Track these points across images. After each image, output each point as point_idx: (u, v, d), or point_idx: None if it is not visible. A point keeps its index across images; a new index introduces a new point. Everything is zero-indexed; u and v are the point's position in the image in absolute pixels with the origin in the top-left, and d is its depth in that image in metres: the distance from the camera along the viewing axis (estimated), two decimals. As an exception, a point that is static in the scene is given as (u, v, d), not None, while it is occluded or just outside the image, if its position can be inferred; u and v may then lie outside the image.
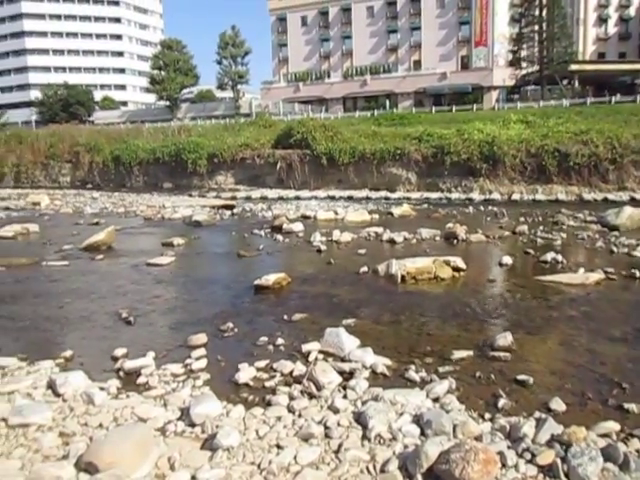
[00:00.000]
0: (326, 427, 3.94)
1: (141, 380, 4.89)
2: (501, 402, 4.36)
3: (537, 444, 3.60)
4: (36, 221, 16.49)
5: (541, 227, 13.84)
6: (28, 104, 75.72)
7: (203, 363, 5.25)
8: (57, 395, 4.49)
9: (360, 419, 4.01)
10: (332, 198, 24.30)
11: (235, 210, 19.19)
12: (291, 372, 5.01)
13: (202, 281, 9.03)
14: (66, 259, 10.69)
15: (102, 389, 4.58)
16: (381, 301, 7.59)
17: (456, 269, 9.02)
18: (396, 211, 17.33)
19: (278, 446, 3.73)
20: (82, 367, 5.13)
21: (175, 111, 60.47)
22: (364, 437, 3.82)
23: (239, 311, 7.16)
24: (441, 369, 5.07)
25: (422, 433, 3.83)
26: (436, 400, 4.39)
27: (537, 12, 47.20)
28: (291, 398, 4.47)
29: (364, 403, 4.29)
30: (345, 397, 4.46)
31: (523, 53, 48.32)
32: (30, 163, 35.69)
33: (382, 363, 5.16)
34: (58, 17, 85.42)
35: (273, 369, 5.11)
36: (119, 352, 5.51)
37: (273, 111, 50.19)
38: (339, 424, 3.99)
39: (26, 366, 5.19)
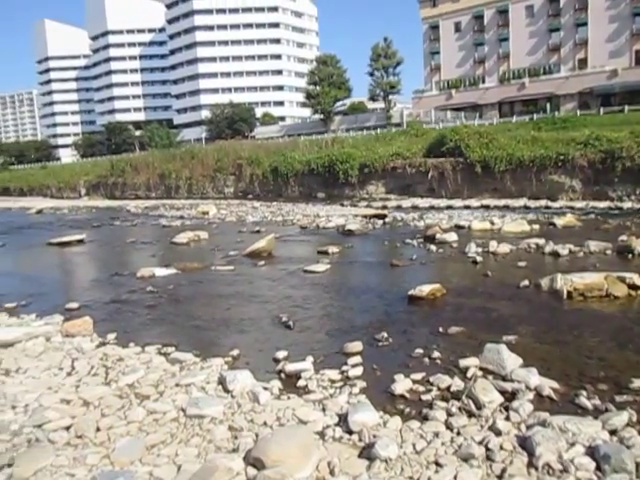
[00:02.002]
0: (487, 449, 3.75)
1: (301, 383, 5.09)
2: (697, 442, 3.80)
3: None
4: (205, 229, 18.08)
5: None
6: (199, 123, 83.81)
7: (359, 371, 5.31)
8: (226, 391, 4.84)
9: (525, 444, 3.76)
10: (486, 207, 23.29)
11: (387, 219, 19.26)
12: (448, 387, 4.86)
13: (356, 289, 9.18)
14: (232, 264, 11.56)
15: (266, 389, 4.84)
16: (545, 318, 7.07)
17: (633, 287, 8.09)
18: (559, 221, 16.10)
19: (437, 463, 3.63)
20: (247, 366, 5.47)
21: (329, 124, 62.57)
22: (530, 464, 3.57)
23: (393, 321, 7.15)
24: (618, 398, 4.57)
25: (598, 468, 3.47)
26: (614, 433, 3.95)
27: None
28: (449, 414, 4.33)
29: (529, 427, 4.02)
30: (508, 419, 4.22)
31: None
32: (200, 176, 39.29)
33: (548, 386, 4.80)
34: (225, 43, 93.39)
35: (429, 382, 5.01)
36: (280, 355, 5.80)
37: (424, 120, 49.66)
38: (502, 447, 3.78)
39: (200, 362, 5.68)
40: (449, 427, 4.13)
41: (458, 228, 15.99)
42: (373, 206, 25.53)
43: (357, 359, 5.60)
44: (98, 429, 4.19)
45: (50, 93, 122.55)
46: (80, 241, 16.94)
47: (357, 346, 5.92)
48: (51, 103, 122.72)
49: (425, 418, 4.31)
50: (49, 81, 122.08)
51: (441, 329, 6.58)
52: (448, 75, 59.99)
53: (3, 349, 6.19)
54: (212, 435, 4.07)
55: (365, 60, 61.19)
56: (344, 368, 5.38)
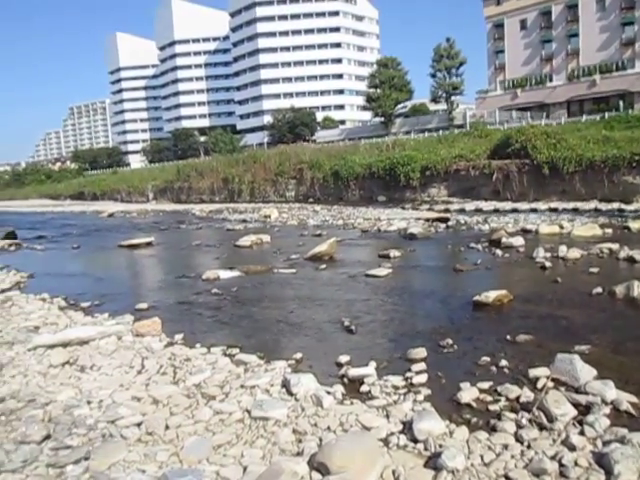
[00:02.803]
0: (561, 464, 3.58)
1: (364, 389, 5.05)
2: None
3: None
4: (267, 232, 18.36)
5: None
6: (261, 128, 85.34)
7: (423, 378, 5.21)
8: (290, 394, 4.87)
9: (602, 462, 3.56)
10: (554, 210, 22.41)
11: (449, 223, 18.90)
12: (517, 398, 4.69)
13: (419, 294, 9.05)
14: (293, 267, 11.67)
15: (329, 393, 4.83)
16: (621, 328, 6.71)
17: None
18: (634, 225, 15.27)
19: (506, 477, 3.51)
20: (310, 370, 5.49)
21: (389, 126, 62.15)
22: (607, 483, 3.38)
23: (458, 327, 6.98)
24: None
25: (684, 489, 3.25)
26: (701, 452, 3.69)
27: None
28: (518, 426, 4.17)
29: (606, 444, 3.80)
30: (582, 433, 4.01)
31: None
32: (262, 180, 40.01)
33: (626, 400, 4.53)
34: (287, 49, 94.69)
35: (497, 392, 4.85)
36: (343, 359, 5.78)
37: (488, 120, 48.42)
38: (576, 463, 3.60)
39: (264, 364, 5.75)
40: (519, 440, 3.98)
41: (525, 232, 15.48)
42: (435, 209, 25.13)
43: (421, 366, 5.51)
44: (167, 427, 4.32)
45: (121, 102, 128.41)
46: (149, 244, 17.61)
47: (421, 352, 5.82)
48: (122, 111, 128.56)
49: (493, 429, 4.17)
50: (120, 90, 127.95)
51: (508, 337, 6.37)
52: (513, 74, 58.27)
53: (79, 346, 6.50)
54: (276, 438, 4.10)
55: (427, 61, 60.28)
56: (408, 374, 5.29)
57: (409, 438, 4.05)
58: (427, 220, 19.83)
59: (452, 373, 5.36)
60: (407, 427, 4.16)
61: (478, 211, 23.73)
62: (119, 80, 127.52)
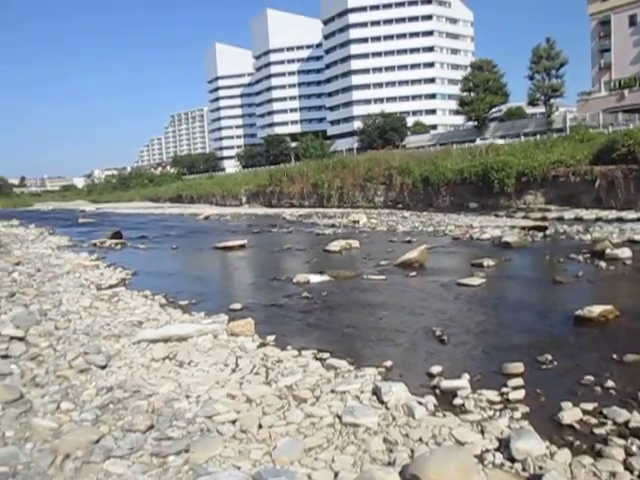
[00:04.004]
0: (678, 498, 3.29)
1: (457, 402, 4.90)
2: None
3: None
4: (356, 237, 18.38)
5: None
6: (352, 133, 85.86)
7: (520, 394, 4.98)
8: (381, 402, 4.82)
9: None
10: (667, 220, 20.65)
11: (547, 232, 17.98)
12: (626, 422, 4.36)
13: (514, 306, 8.67)
14: (383, 274, 11.60)
15: (420, 404, 4.74)
16: None
17: None
18: None
19: (615, 507, 3.27)
20: (401, 379, 5.41)
21: (483, 131, 60.34)
22: None
23: (557, 342, 6.61)
24: None
25: None
26: None
27: None
28: (628, 453, 3.88)
29: None
30: (702, 466, 3.66)
31: None
32: (351, 185, 40.16)
33: None
34: (379, 54, 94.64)
35: (603, 414, 4.53)
36: (434, 369, 5.65)
37: (590, 124, 45.60)
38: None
39: (354, 370, 5.75)
40: (628, 468, 3.69)
41: (632, 243, 14.38)
42: (531, 217, 24.01)
43: (518, 381, 5.26)
44: (260, 426, 4.42)
45: (218, 109, 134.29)
46: (242, 246, 18.22)
47: (518, 367, 5.57)
48: (219, 119, 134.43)
49: (599, 454, 3.90)
50: (217, 98, 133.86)
51: (615, 356, 5.94)
52: (620, 74, 54.52)
53: (178, 342, 6.83)
54: (367, 445, 4.08)
55: (524, 63, 57.91)
56: (504, 390, 5.08)
57: (506, 457, 3.88)
58: (523, 228, 18.98)
59: (552, 391, 5.08)
60: (504, 445, 3.99)
61: (578, 220, 22.36)
62: (217, 89, 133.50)
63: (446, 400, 4.97)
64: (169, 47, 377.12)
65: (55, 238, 23.69)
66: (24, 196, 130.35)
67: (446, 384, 5.20)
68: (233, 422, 4.49)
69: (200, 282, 12.37)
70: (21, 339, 6.55)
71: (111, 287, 11.09)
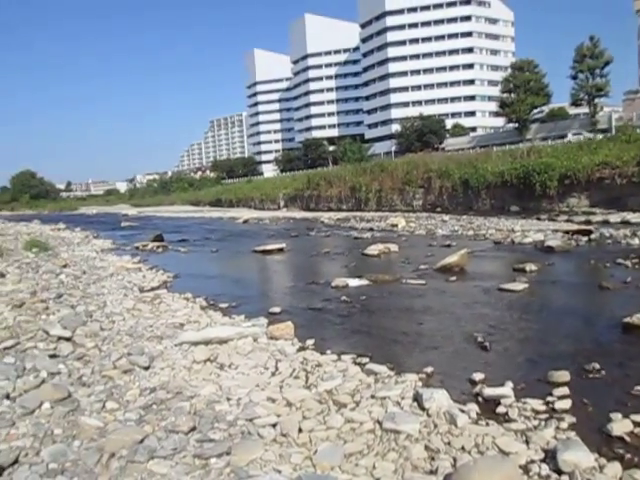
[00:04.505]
0: None
1: (500, 410, 4.80)
2: None
3: None
4: (395, 241, 18.24)
5: None
6: (389, 137, 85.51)
7: (567, 404, 4.84)
8: (422, 409, 4.75)
9: None
10: None
11: (592, 236, 17.45)
12: (682, 436, 4.18)
13: (559, 312, 8.44)
14: (422, 278, 11.47)
15: (463, 411, 4.65)
16: None
17: None
18: None
19: (670, 524, 3.13)
20: (442, 385, 5.33)
21: (524, 132, 59.13)
22: None
23: (605, 351, 6.40)
24: None
25: None
26: None
27: None
28: (683, 468, 3.71)
29: None
30: None
31: None
32: (389, 189, 39.89)
33: None
34: (417, 56, 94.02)
35: (655, 427, 4.36)
36: (477, 376, 5.55)
37: (638, 124, 44.14)
38: None
39: (394, 375, 5.69)
40: (683, 483, 3.54)
41: (684, 248, 13.83)
42: (575, 221, 23.33)
43: (564, 390, 5.11)
44: (300, 430, 4.42)
45: (256, 114, 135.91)
46: (280, 250, 18.33)
47: (564, 375, 5.41)
48: (257, 123, 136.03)
49: (651, 468, 3.76)
50: (256, 104, 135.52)
51: (668, 365, 5.71)
52: (670, 72, 52.63)
53: (219, 345, 6.90)
54: (408, 452, 4.03)
55: (566, 63, 56.55)
56: (549, 399, 4.94)
57: (552, 468, 3.77)
58: (566, 232, 18.47)
59: (600, 401, 4.92)
60: (550, 456, 3.88)
61: (625, 223, 21.60)
62: (255, 94, 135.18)
63: (489, 408, 4.87)
64: (207, 56, 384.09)
65: (99, 241, 24.39)
66: (70, 200, 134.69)
67: (489, 392, 5.09)
68: (273, 425, 4.51)
69: (240, 285, 12.51)
70: (68, 339, 6.76)
71: (153, 289, 11.31)
